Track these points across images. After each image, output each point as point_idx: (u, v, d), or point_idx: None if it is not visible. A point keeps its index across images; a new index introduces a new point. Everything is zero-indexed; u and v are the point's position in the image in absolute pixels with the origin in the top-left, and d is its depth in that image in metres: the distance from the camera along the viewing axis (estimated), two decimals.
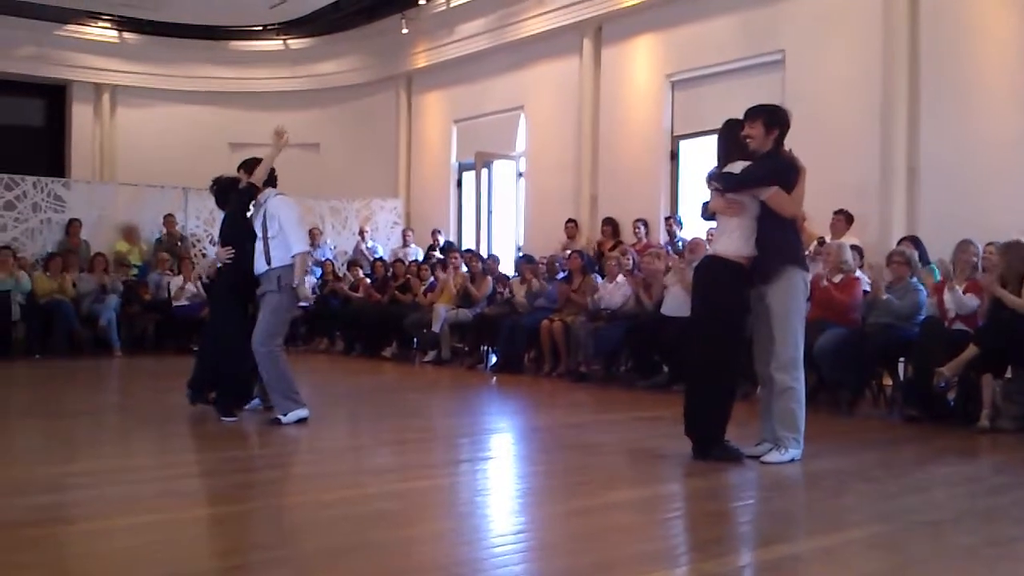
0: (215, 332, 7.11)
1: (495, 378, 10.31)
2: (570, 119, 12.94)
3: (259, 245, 6.76)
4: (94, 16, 15.81)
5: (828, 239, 9.05)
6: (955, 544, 3.96)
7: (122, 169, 16.07)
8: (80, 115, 16.41)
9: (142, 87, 16.51)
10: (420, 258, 13.81)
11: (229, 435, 6.62)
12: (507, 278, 11.67)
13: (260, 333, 6.71)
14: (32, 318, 11.68)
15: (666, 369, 9.22)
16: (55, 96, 16.61)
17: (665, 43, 11.90)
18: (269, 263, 6.70)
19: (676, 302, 8.97)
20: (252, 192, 6.92)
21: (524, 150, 13.87)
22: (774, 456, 5.39)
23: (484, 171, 14.10)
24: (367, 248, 14.81)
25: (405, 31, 14.85)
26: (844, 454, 5.98)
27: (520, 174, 14.01)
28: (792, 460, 5.37)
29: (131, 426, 6.97)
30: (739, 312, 5.54)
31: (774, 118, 5.59)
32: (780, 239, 5.43)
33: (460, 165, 15.11)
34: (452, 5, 14.17)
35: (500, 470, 5.74)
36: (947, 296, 7.19)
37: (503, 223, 14.32)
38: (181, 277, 12.79)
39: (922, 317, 7.40)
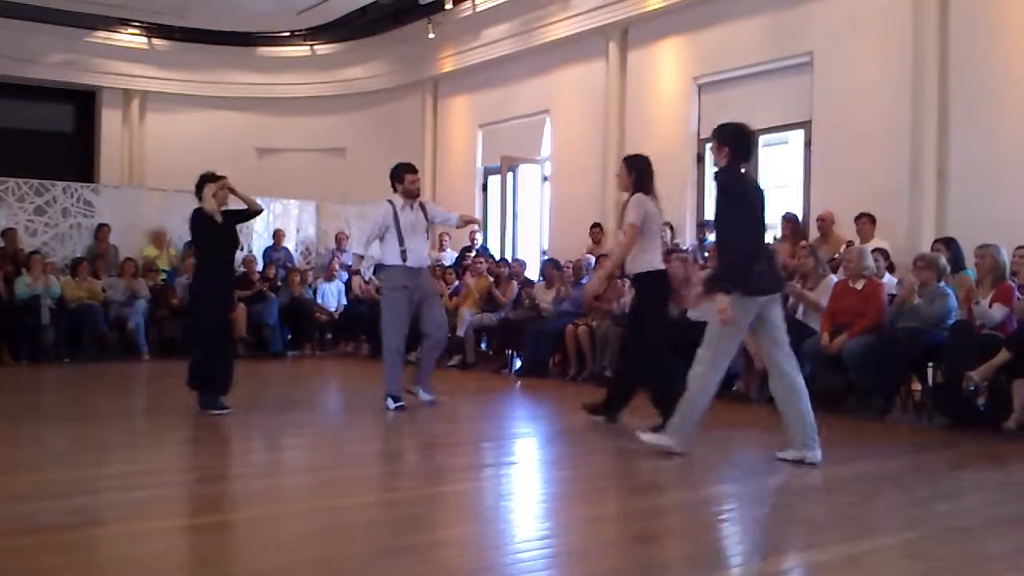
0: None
1: (520, 382, 10.31)
2: (596, 123, 12.93)
3: (426, 243, 7.65)
4: (124, 23, 15.97)
5: (857, 243, 8.99)
6: (985, 551, 3.92)
7: (151, 174, 16.20)
8: (109, 121, 16.58)
9: (171, 93, 16.65)
10: (453, 262, 13.75)
11: (256, 439, 6.67)
12: (532, 282, 11.67)
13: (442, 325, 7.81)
14: (61, 322, 11.79)
15: None
16: (85, 102, 16.78)
17: (691, 46, 11.86)
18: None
19: (702, 307, 8.93)
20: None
21: (549, 154, 13.87)
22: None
23: (509, 175, 14.11)
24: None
25: (431, 36, 14.89)
26: (873, 459, 5.94)
27: (545, 178, 14.01)
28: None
29: (161, 429, 7.02)
30: None
31: (723, 134, 5.64)
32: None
33: (485, 169, 15.12)
34: (478, 10, 14.20)
35: (525, 475, 5.75)
36: (974, 309, 7.11)
37: (528, 227, 14.32)
38: None
39: (952, 321, 7.33)
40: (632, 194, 6.54)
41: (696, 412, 5.61)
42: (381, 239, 7.74)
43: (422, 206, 7.88)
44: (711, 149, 5.73)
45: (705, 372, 5.55)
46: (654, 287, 6.60)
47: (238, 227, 7.74)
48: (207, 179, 7.45)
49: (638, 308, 6.74)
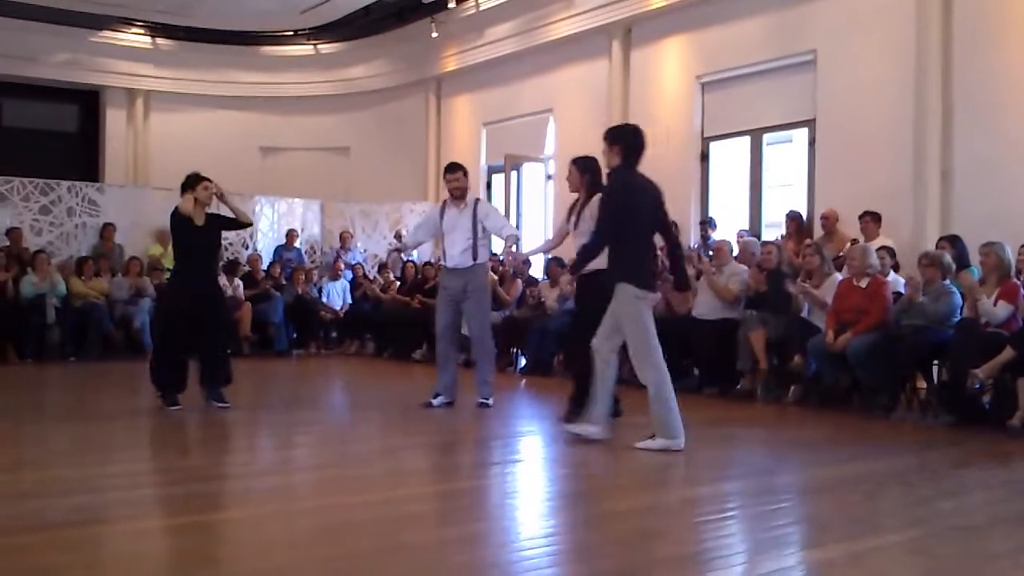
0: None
1: (524, 381, 10.31)
2: (599, 121, 12.84)
3: (466, 244, 7.49)
4: (127, 22, 15.99)
5: (861, 241, 8.99)
6: (989, 549, 3.92)
7: (155, 173, 16.21)
8: (113, 120, 16.61)
9: (175, 92, 16.67)
10: None
11: (262, 438, 6.69)
12: (536, 281, 11.67)
13: (485, 327, 7.70)
14: (67, 321, 11.83)
15: (696, 372, 9.19)
16: (89, 101, 16.82)
17: (695, 44, 11.86)
18: (476, 259, 7.52)
19: (707, 305, 8.94)
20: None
21: (553, 152, 13.88)
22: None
23: (513, 173, 14.12)
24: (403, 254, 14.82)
25: (435, 35, 14.90)
26: (878, 458, 5.95)
27: (549, 176, 14.01)
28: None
29: (166, 428, 7.03)
30: None
31: (615, 134, 5.93)
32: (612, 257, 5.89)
33: (489, 168, 15.13)
34: (481, 9, 14.21)
35: (530, 473, 5.75)
36: (979, 306, 7.11)
37: (532, 225, 14.32)
38: None
39: (957, 319, 7.33)
40: (589, 195, 6.71)
41: (610, 393, 5.99)
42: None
43: (476, 208, 7.68)
44: (603, 152, 5.92)
45: (651, 369, 5.78)
46: (599, 287, 6.42)
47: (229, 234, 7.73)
48: (192, 180, 7.48)
49: (588, 304, 6.55)
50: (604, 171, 6.17)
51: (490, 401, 7.69)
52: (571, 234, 6.92)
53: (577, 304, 7.13)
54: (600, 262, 6.08)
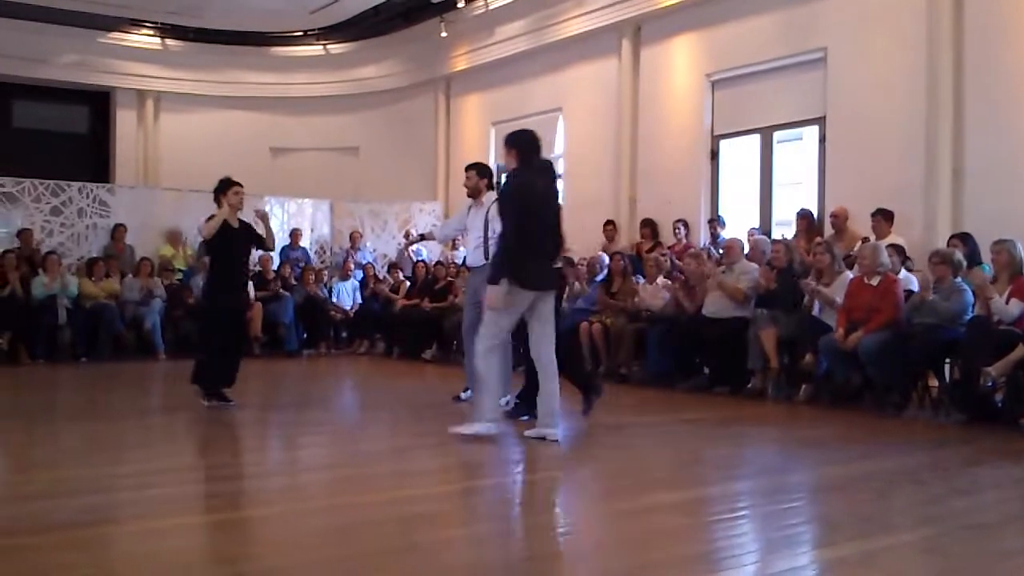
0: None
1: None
2: (609, 120, 12.92)
3: (477, 242, 7.51)
4: (137, 23, 16.02)
5: (872, 239, 8.95)
6: (1002, 547, 3.90)
7: (165, 174, 16.28)
8: (124, 121, 16.65)
9: (185, 93, 16.71)
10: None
11: (273, 438, 6.70)
12: None
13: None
14: (78, 322, 11.87)
15: (707, 371, 9.17)
16: (99, 103, 16.86)
17: (705, 42, 11.83)
18: (486, 258, 7.31)
19: (717, 304, 8.92)
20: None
21: (562, 151, 13.86)
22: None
23: None
24: (412, 251, 14.84)
25: (444, 34, 14.90)
26: (890, 456, 5.92)
27: (558, 176, 13.99)
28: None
29: (177, 428, 7.06)
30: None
31: (512, 140, 6.19)
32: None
33: (499, 167, 15.09)
34: (491, 8, 14.20)
35: (540, 472, 5.74)
36: (991, 304, 7.07)
37: None
38: None
39: (969, 317, 7.30)
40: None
41: (495, 389, 6.11)
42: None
43: (491, 207, 7.55)
44: (500, 156, 6.16)
45: (488, 353, 6.02)
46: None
47: None
48: (224, 184, 7.57)
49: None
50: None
51: (464, 396, 7.82)
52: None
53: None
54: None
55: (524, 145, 6.12)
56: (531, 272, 5.91)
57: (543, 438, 6.00)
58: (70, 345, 11.90)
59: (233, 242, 7.53)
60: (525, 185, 6.02)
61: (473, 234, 7.70)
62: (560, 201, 6.43)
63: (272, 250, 8.36)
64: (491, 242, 7.44)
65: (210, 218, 7.50)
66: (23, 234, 12.50)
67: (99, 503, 4.46)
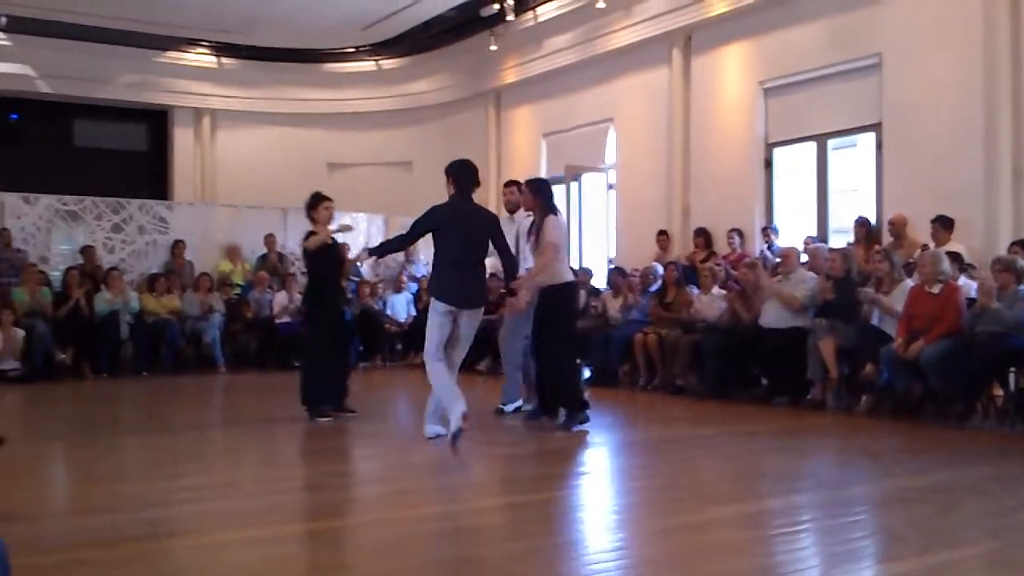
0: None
1: (589, 392, 10.23)
2: (660, 130, 12.86)
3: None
4: (193, 43, 16.33)
5: (931, 246, 8.79)
6: None
7: (222, 190, 16.53)
8: (181, 139, 16.94)
9: (240, 110, 16.96)
10: None
11: (330, 450, 6.75)
12: (599, 291, 11.62)
13: (506, 337, 8.01)
14: (140, 337, 12.09)
15: (764, 382, 9.07)
16: (157, 121, 17.17)
17: (757, 50, 11.74)
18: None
19: (774, 314, 8.82)
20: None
21: (614, 162, 13.83)
22: None
23: (574, 184, 14.09)
24: None
25: (494, 48, 14.96)
26: (954, 468, 5.80)
27: (610, 186, 13.96)
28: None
29: (236, 441, 7.15)
30: None
31: (449, 169, 6.87)
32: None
33: (550, 179, 15.07)
34: (540, 20, 14.23)
35: (596, 485, 5.72)
36: None
37: (594, 236, 14.27)
38: (284, 294, 13.09)
39: None
40: (543, 215, 7.31)
41: (448, 395, 6.32)
42: None
43: (519, 224, 7.93)
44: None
45: (430, 363, 6.49)
46: (562, 298, 7.38)
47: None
48: (316, 199, 7.85)
49: (548, 316, 7.35)
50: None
51: (507, 408, 7.95)
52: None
53: (536, 314, 7.47)
54: (561, 276, 7.27)
55: (459, 174, 6.76)
56: (448, 288, 6.54)
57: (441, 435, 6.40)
58: (132, 359, 12.12)
59: (331, 256, 7.82)
60: (447, 208, 6.69)
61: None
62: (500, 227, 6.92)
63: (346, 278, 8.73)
64: (521, 257, 7.69)
65: (310, 234, 7.74)
66: (86, 251, 12.77)
67: (160, 517, 4.52)
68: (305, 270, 13.78)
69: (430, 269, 7.41)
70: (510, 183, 8.39)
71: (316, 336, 7.83)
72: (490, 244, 6.95)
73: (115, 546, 3.95)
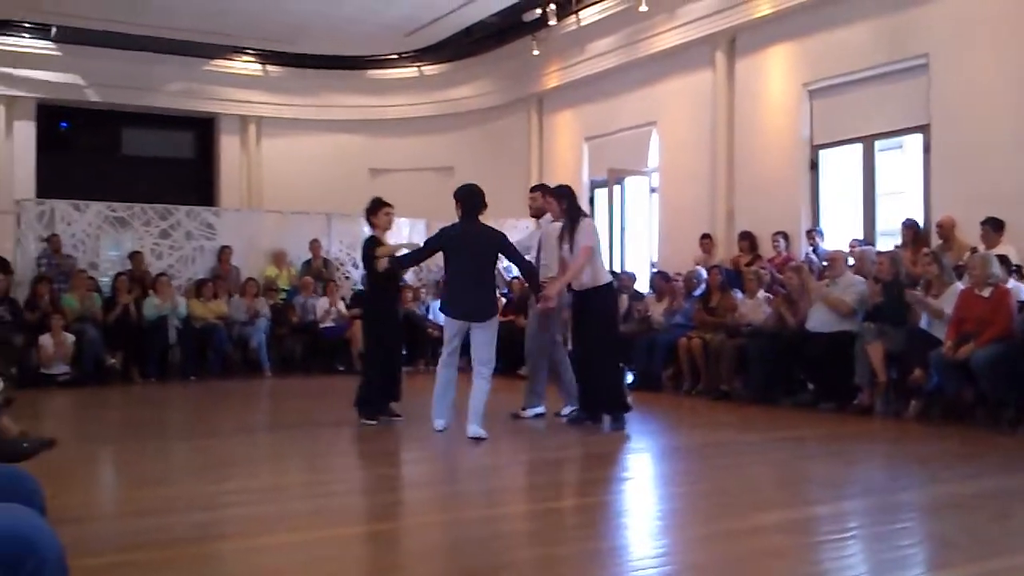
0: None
1: (632, 396, 10.19)
2: (704, 132, 12.78)
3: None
4: (238, 51, 16.51)
5: (981, 249, 8.64)
6: None
7: (268, 197, 16.69)
8: (228, 146, 17.13)
9: (285, 118, 17.12)
10: None
11: (375, 454, 6.79)
12: (642, 295, 11.57)
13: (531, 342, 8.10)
14: (187, 341, 12.25)
15: (811, 387, 8.97)
16: (204, 128, 17.40)
17: (801, 52, 11.63)
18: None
19: (821, 318, 8.73)
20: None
21: (657, 165, 13.76)
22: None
23: (616, 188, 14.05)
24: (503, 268, 14.88)
25: (536, 52, 14.97)
26: (1007, 474, 5.70)
27: (653, 190, 13.90)
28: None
29: (282, 445, 7.21)
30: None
31: (457, 194, 7.21)
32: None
33: (592, 182, 15.08)
34: (582, 24, 14.21)
35: (640, 490, 5.69)
36: None
37: (636, 240, 14.22)
38: (327, 299, 13.19)
39: None
40: (573, 219, 7.44)
41: (440, 402, 7.15)
42: None
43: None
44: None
45: (439, 367, 7.19)
46: (601, 300, 7.45)
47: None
48: (375, 205, 7.96)
49: (588, 319, 7.46)
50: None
51: (526, 413, 7.96)
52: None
53: (575, 318, 7.72)
54: (600, 278, 7.37)
55: (466, 198, 7.11)
56: (454, 301, 7.04)
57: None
58: (180, 364, 12.29)
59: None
60: (454, 230, 7.09)
61: (531, 254, 8.00)
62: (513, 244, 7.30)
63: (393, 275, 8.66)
64: (542, 263, 7.86)
65: (371, 239, 7.82)
66: (134, 257, 12.96)
67: (207, 519, 4.58)
68: (348, 275, 14.00)
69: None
70: (535, 188, 8.48)
71: (377, 339, 7.89)
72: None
73: (163, 548, 4.00)
